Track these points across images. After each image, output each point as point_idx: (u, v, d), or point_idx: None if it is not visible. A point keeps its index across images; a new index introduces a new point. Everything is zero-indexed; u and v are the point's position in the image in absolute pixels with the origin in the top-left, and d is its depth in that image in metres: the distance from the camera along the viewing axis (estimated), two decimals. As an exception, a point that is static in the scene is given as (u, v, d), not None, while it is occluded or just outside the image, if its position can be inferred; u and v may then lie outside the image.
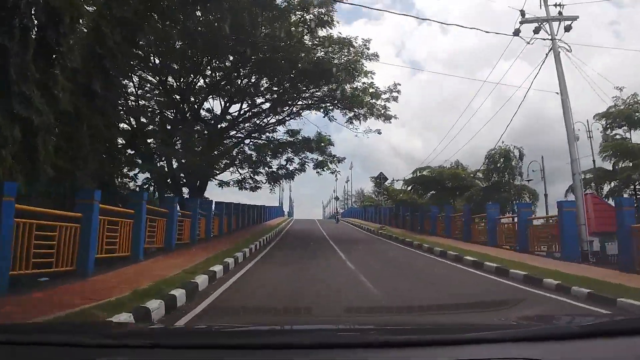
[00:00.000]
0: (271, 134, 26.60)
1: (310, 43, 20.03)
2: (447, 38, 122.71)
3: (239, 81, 23.17)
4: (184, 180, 23.03)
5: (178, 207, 14.70)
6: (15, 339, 1.68)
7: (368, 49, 20.14)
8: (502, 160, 22.02)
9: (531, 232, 13.86)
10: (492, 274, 10.51)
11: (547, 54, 15.90)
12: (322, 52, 20.11)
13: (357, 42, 20.25)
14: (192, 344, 1.66)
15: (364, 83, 21.39)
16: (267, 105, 25.35)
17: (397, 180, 35.44)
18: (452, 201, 26.51)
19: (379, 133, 23.67)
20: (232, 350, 1.61)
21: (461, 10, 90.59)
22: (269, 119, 26.23)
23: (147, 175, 21.53)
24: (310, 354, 1.58)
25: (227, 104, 24.33)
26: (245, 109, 24.86)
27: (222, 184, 26.12)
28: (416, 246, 17.34)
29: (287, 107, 25.84)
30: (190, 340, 1.76)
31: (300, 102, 25.35)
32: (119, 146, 19.36)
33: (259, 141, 26.49)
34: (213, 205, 17.23)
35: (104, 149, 15.32)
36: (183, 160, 21.40)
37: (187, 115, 21.74)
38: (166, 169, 22.39)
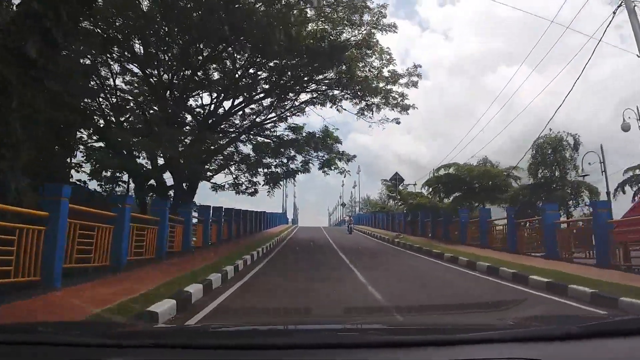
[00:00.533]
0: (271, 131, 23.21)
1: (314, 14, 16.61)
2: (451, 44, 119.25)
3: (235, 74, 19.78)
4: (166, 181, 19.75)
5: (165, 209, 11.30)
6: (15, 338, 1.66)
7: (384, 16, 16.59)
8: (550, 151, 18.26)
9: (616, 239, 10.22)
10: (587, 303, 6.97)
11: (615, 12, 12.48)
12: (329, 25, 16.64)
13: (372, 3, 16.60)
14: (192, 344, 1.62)
15: (382, 58, 17.79)
16: (266, 100, 22.06)
17: (408, 185, 31.87)
18: (477, 204, 22.91)
19: (398, 122, 20.11)
20: (233, 350, 1.59)
21: (465, 17, 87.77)
22: (268, 114, 22.89)
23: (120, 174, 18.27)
24: (311, 354, 1.54)
25: (221, 98, 20.90)
26: (240, 102, 21.41)
27: (216, 187, 22.80)
28: (449, 259, 13.75)
29: (289, 101, 22.48)
30: (190, 340, 1.73)
31: (303, 95, 21.98)
32: (82, 137, 16.08)
33: (258, 138, 23.14)
34: (195, 209, 13.60)
35: (47, 136, 12.03)
36: (168, 156, 18.10)
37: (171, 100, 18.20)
38: (147, 166, 19.12)
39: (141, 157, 19.93)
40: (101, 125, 16.93)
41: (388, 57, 17.64)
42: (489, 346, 1.55)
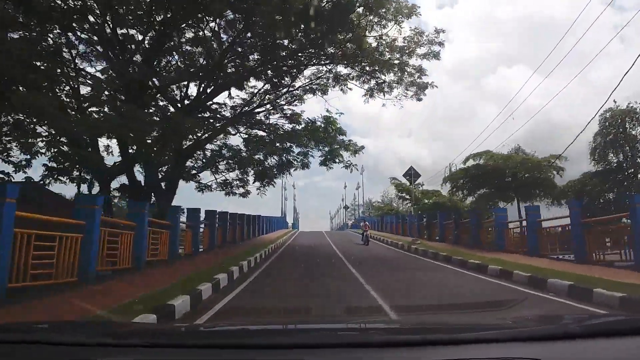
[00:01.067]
0: (265, 122, 19.81)
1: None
2: (451, 46, 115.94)
3: (220, 54, 16.42)
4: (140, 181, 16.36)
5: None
6: (15, 338, 1.64)
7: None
8: (618, 129, 14.44)
9: None
10: None
11: None
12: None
13: None
14: (192, 344, 1.61)
15: (398, 15, 14.22)
16: (257, 84, 18.79)
17: (416, 185, 28.35)
18: (507, 202, 19.38)
19: (419, 99, 16.56)
20: (233, 350, 1.56)
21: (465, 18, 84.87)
22: (261, 101, 19.54)
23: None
24: (311, 354, 1.50)
25: (204, 87, 17.55)
26: (226, 85, 18.02)
27: (202, 187, 19.31)
28: (497, 275, 10.19)
29: (284, 87, 19.08)
30: (190, 340, 1.73)
31: (301, 80, 18.61)
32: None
33: (251, 131, 19.80)
34: (146, 210, 9.88)
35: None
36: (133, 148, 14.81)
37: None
38: (110, 160, 15.76)
39: (110, 153, 16.83)
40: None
41: (408, 9, 14.00)
42: (489, 346, 1.51)
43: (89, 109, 15.13)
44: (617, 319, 2.09)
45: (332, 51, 16.26)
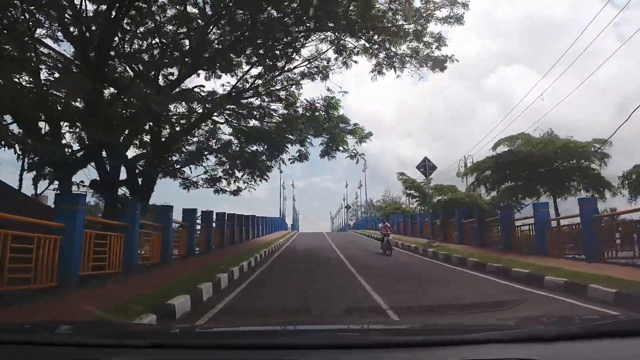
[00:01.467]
0: (258, 110, 17.31)
1: None
2: (450, 46, 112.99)
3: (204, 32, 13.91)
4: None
5: None
6: (15, 338, 1.60)
7: None
8: None
9: None
10: None
11: None
12: None
13: None
14: (192, 344, 1.61)
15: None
16: (247, 65, 16.33)
17: (422, 183, 25.57)
18: (536, 197, 16.74)
19: (442, 69, 13.78)
20: (233, 350, 1.54)
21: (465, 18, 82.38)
22: (252, 85, 17.05)
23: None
24: (311, 355, 1.48)
25: (185, 70, 15.04)
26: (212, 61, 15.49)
27: (186, 184, 16.69)
28: (562, 289, 7.55)
29: (279, 71, 16.55)
30: (190, 340, 1.74)
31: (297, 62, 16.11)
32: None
33: (242, 121, 17.32)
34: (81, 205, 6.99)
35: None
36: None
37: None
38: (73, 149, 13.24)
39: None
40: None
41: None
42: (489, 346, 1.49)
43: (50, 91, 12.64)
44: (617, 320, 2.03)
45: (335, 11, 13.63)
